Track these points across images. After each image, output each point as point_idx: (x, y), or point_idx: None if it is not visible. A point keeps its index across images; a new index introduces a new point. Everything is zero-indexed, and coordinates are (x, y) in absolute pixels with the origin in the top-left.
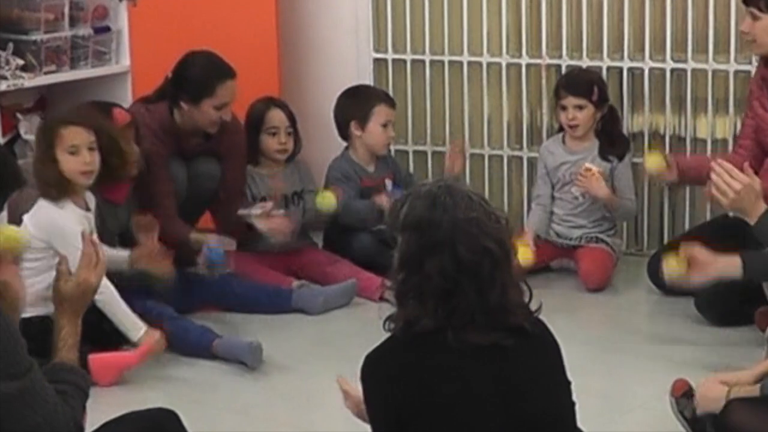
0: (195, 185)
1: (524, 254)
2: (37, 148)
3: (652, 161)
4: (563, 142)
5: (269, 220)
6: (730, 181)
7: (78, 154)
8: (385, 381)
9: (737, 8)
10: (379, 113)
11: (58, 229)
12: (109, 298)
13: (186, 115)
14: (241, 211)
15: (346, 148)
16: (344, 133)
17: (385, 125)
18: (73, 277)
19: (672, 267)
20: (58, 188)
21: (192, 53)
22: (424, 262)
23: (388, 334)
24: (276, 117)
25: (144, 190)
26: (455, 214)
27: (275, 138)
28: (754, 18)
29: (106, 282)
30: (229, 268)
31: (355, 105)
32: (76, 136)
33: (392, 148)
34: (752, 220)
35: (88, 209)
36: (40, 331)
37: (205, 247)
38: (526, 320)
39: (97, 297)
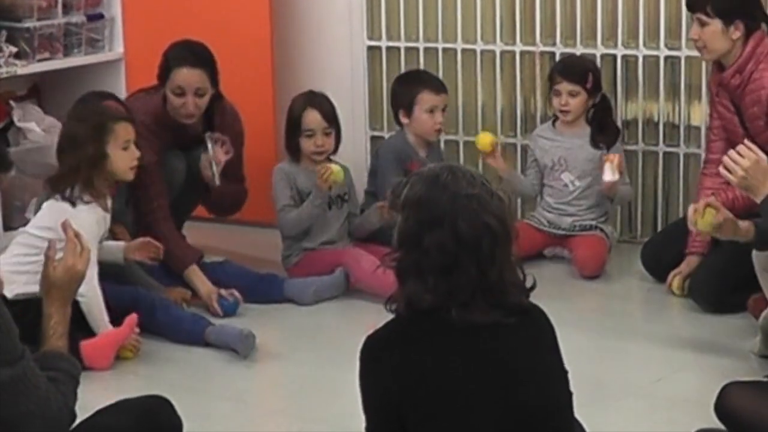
0: (194, 174)
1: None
2: (85, 146)
3: (483, 141)
4: (553, 126)
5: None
6: (738, 159)
7: (129, 150)
8: (386, 374)
9: None
10: (423, 100)
11: (74, 221)
12: (93, 301)
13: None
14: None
15: (402, 127)
16: (398, 120)
17: (431, 111)
18: (60, 264)
19: (706, 224)
20: (99, 187)
21: (175, 41)
22: (422, 238)
23: (381, 321)
24: (312, 119)
25: (138, 193)
26: (456, 190)
27: (311, 140)
28: (702, 24)
29: (95, 285)
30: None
31: (401, 93)
32: (128, 131)
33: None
34: (759, 199)
35: (106, 210)
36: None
37: (219, 299)
38: (522, 299)
39: (81, 299)
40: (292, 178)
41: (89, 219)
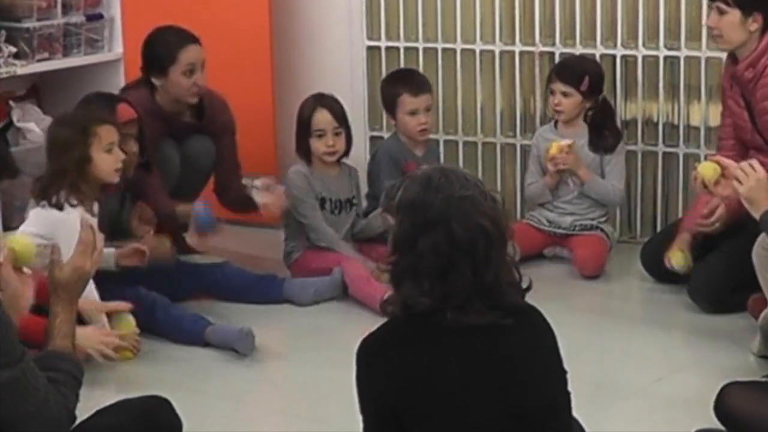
0: (189, 163)
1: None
2: (69, 149)
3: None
4: (555, 127)
5: (267, 192)
6: (749, 171)
7: (112, 152)
8: (382, 375)
9: None
10: (403, 103)
11: (64, 225)
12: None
13: (163, 92)
14: (245, 180)
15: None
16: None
17: (413, 113)
18: (68, 263)
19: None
20: (85, 191)
21: (152, 31)
22: (417, 241)
23: (379, 322)
24: (322, 119)
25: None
26: (450, 192)
27: (322, 140)
28: (721, 12)
29: (91, 288)
30: (217, 229)
31: (385, 95)
32: (111, 134)
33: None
34: (758, 213)
35: (93, 215)
36: None
37: (194, 210)
38: (519, 300)
39: None
40: (309, 181)
41: (77, 224)
